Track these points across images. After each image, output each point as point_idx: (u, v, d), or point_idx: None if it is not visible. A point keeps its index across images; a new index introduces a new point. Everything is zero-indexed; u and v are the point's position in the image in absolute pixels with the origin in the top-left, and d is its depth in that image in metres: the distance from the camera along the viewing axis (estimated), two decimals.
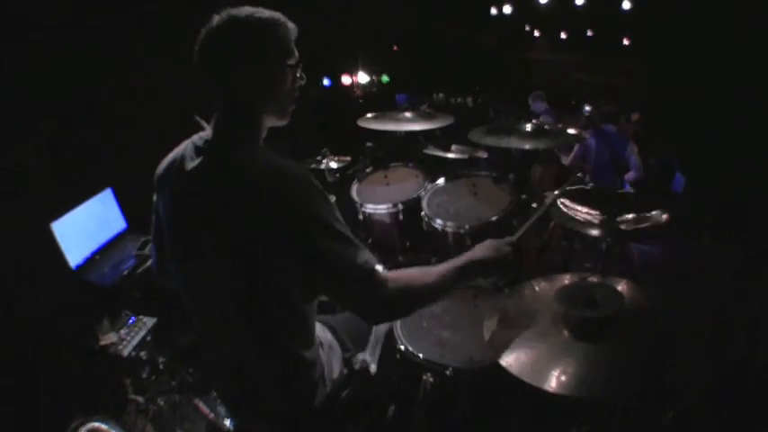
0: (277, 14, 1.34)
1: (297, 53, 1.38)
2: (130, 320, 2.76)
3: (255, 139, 1.38)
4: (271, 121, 1.41)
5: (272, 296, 1.31)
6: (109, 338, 2.63)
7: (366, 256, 1.29)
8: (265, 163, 1.28)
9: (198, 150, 1.36)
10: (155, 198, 1.47)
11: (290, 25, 1.35)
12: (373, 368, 1.74)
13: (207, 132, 1.39)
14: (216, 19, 1.30)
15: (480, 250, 1.54)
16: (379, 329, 1.89)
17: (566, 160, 5.07)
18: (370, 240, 2.93)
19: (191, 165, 1.34)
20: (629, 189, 4.53)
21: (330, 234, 1.26)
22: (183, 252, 1.40)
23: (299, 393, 1.46)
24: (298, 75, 1.40)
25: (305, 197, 1.25)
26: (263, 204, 1.23)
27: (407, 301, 1.37)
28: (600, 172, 4.62)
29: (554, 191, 2.14)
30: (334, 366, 1.57)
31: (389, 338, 1.94)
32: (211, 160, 1.32)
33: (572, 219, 2.06)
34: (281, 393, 1.45)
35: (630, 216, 1.97)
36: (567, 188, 2.17)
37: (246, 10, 1.31)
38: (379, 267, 1.31)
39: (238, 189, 1.26)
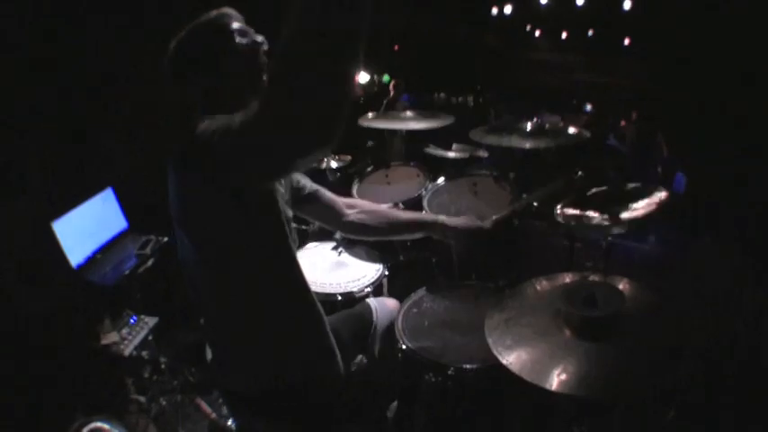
0: (214, 13, 1.35)
1: (239, 26, 1.36)
2: (132, 320, 2.77)
3: None
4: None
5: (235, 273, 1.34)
6: (110, 338, 2.64)
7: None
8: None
9: None
10: None
11: (229, 11, 1.36)
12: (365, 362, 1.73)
13: None
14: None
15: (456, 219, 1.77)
16: (381, 327, 1.89)
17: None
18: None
19: None
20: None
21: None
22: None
23: (300, 393, 1.46)
24: (254, 42, 1.36)
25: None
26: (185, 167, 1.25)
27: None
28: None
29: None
30: (333, 367, 1.57)
31: (390, 337, 1.94)
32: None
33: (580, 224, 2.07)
34: (283, 392, 1.45)
35: (633, 207, 1.97)
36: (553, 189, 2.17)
37: (192, 23, 1.34)
38: None
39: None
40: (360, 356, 1.73)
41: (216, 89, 1.34)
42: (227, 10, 1.37)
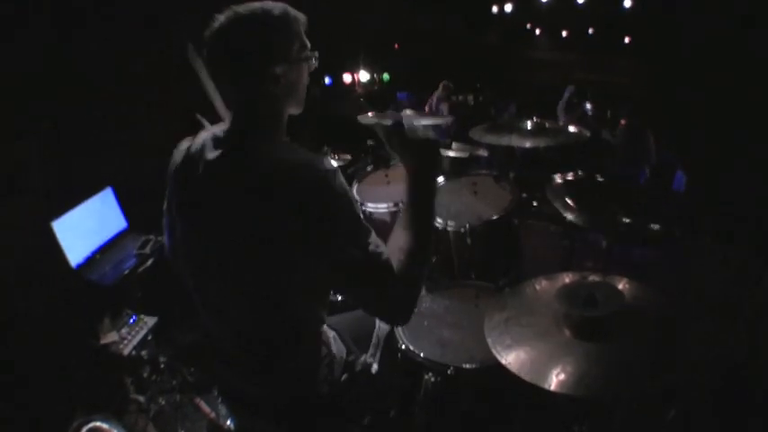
0: (285, 7, 1.28)
1: (307, 41, 1.34)
2: (131, 319, 2.76)
3: (278, 132, 1.37)
4: (290, 111, 1.39)
5: (280, 293, 1.30)
6: (110, 337, 2.63)
7: (385, 252, 1.27)
8: (287, 160, 1.25)
9: (217, 141, 1.33)
10: (168, 186, 1.43)
11: (300, 15, 1.31)
12: (375, 368, 1.73)
13: (225, 125, 1.37)
14: (223, 20, 1.24)
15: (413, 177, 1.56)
16: (382, 330, 1.89)
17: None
18: None
19: (211, 155, 1.31)
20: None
21: (351, 239, 1.23)
22: (195, 239, 1.39)
23: (302, 392, 1.46)
24: (313, 62, 1.37)
25: (327, 199, 1.21)
26: (282, 205, 1.20)
27: (414, 289, 1.33)
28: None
29: None
30: (336, 367, 1.57)
31: (391, 338, 1.94)
32: (232, 155, 1.29)
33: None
34: (285, 391, 1.45)
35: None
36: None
37: (254, 7, 1.25)
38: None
39: (257, 188, 1.23)
40: (363, 359, 1.72)
41: (258, 97, 1.29)
42: (299, 14, 1.31)
